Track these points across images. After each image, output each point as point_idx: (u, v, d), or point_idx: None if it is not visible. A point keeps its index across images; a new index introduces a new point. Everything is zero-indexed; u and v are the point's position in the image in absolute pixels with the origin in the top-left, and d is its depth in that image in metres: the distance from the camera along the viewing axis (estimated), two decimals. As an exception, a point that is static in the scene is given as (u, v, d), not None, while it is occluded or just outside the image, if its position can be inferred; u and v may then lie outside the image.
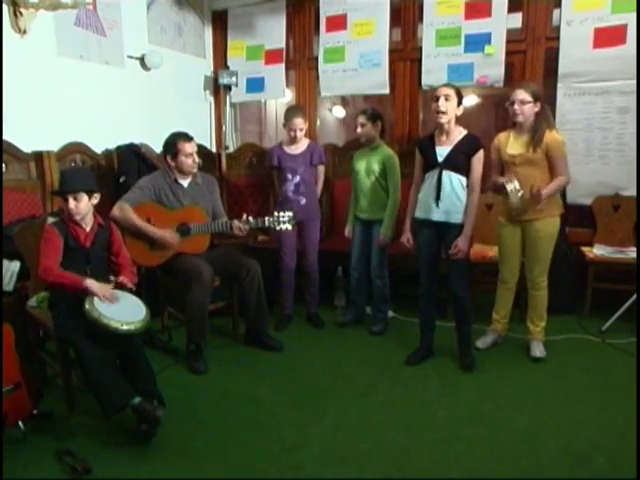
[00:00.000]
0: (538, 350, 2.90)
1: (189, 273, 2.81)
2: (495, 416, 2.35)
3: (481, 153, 2.68)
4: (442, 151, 2.68)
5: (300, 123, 3.29)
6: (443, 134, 2.70)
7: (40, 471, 1.99)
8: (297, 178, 3.33)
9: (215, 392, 2.61)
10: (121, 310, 2.22)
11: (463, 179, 2.67)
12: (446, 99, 2.61)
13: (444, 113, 2.61)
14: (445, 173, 2.66)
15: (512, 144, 2.80)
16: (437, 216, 2.70)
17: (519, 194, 2.66)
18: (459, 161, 2.66)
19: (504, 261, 2.97)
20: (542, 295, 2.90)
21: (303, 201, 3.35)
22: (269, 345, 3.10)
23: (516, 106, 2.70)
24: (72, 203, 2.32)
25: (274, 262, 3.45)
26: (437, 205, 2.68)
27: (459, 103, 2.66)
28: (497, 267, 3.23)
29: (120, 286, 2.39)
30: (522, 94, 2.69)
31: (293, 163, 3.34)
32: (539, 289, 2.89)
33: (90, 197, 2.38)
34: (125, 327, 2.16)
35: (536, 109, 2.71)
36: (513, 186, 2.66)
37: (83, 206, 2.35)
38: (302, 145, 3.38)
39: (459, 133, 2.70)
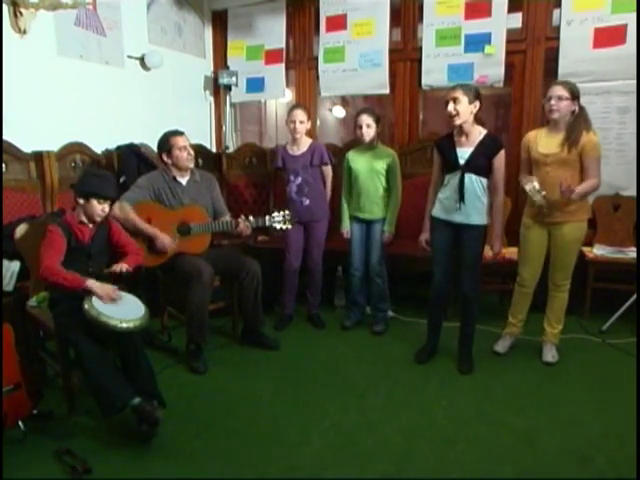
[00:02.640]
0: (550, 355, 2.87)
1: (189, 273, 2.81)
2: (495, 416, 2.35)
3: (502, 153, 2.65)
4: (463, 153, 2.65)
5: (299, 114, 3.25)
6: (462, 135, 2.66)
7: (40, 471, 1.99)
8: (299, 179, 3.31)
9: (215, 392, 2.61)
10: (120, 308, 2.22)
11: (484, 181, 2.67)
12: (454, 102, 2.57)
13: (457, 116, 2.58)
14: (467, 176, 2.64)
15: (544, 142, 2.71)
16: (459, 218, 2.69)
17: (542, 193, 2.55)
18: (480, 163, 2.64)
19: (526, 264, 2.88)
20: (563, 297, 2.85)
21: (306, 202, 3.32)
22: (265, 344, 3.10)
23: (553, 102, 2.62)
24: (105, 207, 2.40)
25: (275, 262, 3.45)
26: (459, 207, 2.67)
27: (471, 101, 2.57)
28: (496, 267, 3.24)
29: (114, 274, 2.39)
30: (560, 90, 2.62)
31: (294, 164, 3.32)
32: (561, 291, 2.84)
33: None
34: (124, 325, 2.15)
35: (573, 108, 2.63)
36: (532, 186, 2.55)
37: (106, 210, 2.42)
38: (304, 146, 3.34)
39: (479, 133, 2.66)
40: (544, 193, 2.55)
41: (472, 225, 2.67)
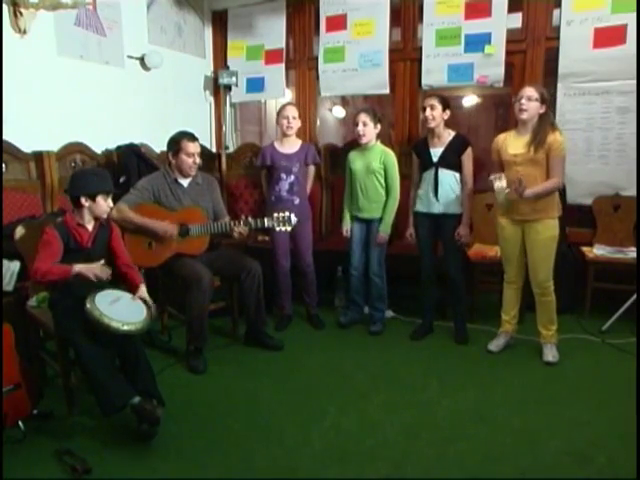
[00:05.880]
0: (551, 355, 2.88)
1: (189, 279, 2.80)
2: (495, 416, 2.35)
3: (469, 150, 3.03)
4: (436, 152, 3.05)
5: (292, 110, 3.28)
6: (435, 137, 3.06)
7: (40, 471, 1.99)
8: (292, 177, 3.32)
9: (215, 392, 2.61)
10: (122, 310, 2.22)
11: (457, 175, 3.04)
12: (431, 108, 2.97)
13: (432, 119, 2.98)
14: (441, 171, 3.02)
15: (513, 144, 2.80)
16: (437, 209, 3.06)
17: (505, 191, 2.70)
18: (451, 159, 3.02)
19: (509, 261, 2.96)
20: (550, 301, 2.87)
21: (297, 201, 3.33)
22: (269, 344, 3.10)
23: (523, 101, 2.71)
24: (109, 202, 2.40)
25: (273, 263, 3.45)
26: (437, 199, 3.03)
27: (444, 109, 2.99)
28: (497, 267, 3.24)
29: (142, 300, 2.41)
30: (530, 91, 2.71)
31: (288, 162, 3.31)
32: (546, 295, 2.86)
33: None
34: (126, 328, 2.15)
35: (541, 110, 2.72)
36: (500, 184, 2.70)
37: (110, 205, 2.42)
38: (295, 145, 3.36)
39: (448, 135, 3.05)
40: (507, 191, 2.70)
41: (450, 214, 3.05)
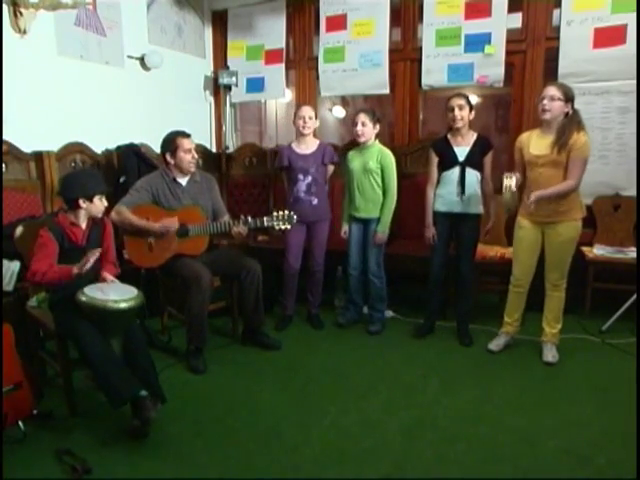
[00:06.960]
0: (551, 355, 2.87)
1: (188, 279, 2.80)
2: (495, 416, 2.35)
3: (491, 152, 3.06)
4: (461, 151, 3.01)
5: (308, 110, 3.28)
6: (458, 136, 3.03)
7: (40, 471, 1.99)
8: (309, 178, 3.29)
9: (215, 392, 2.61)
10: (114, 292, 2.25)
11: (479, 174, 3.03)
12: (460, 108, 2.95)
13: (460, 119, 2.96)
14: (467, 170, 2.99)
15: (536, 144, 2.73)
16: (459, 208, 3.03)
17: (512, 190, 2.62)
18: (476, 159, 3.01)
19: (518, 263, 2.92)
20: (560, 297, 2.86)
21: (315, 201, 3.31)
22: (266, 343, 3.10)
23: (545, 101, 2.64)
24: (104, 202, 2.43)
25: (274, 262, 3.45)
26: (461, 198, 3.00)
27: (470, 109, 2.99)
28: (497, 268, 3.24)
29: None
30: (553, 90, 2.63)
31: (304, 163, 3.29)
32: (557, 290, 2.85)
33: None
34: (124, 304, 2.18)
35: (566, 110, 2.64)
36: (508, 182, 2.62)
37: (105, 204, 2.45)
38: (313, 145, 3.34)
39: (472, 135, 3.04)
40: (514, 190, 2.65)
41: (471, 215, 3.02)
